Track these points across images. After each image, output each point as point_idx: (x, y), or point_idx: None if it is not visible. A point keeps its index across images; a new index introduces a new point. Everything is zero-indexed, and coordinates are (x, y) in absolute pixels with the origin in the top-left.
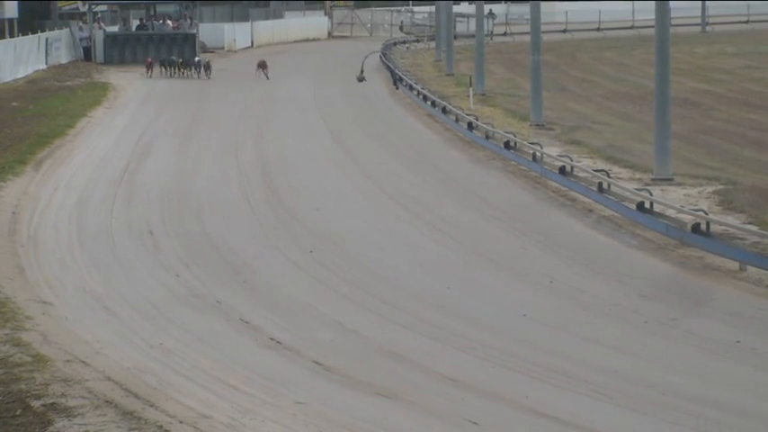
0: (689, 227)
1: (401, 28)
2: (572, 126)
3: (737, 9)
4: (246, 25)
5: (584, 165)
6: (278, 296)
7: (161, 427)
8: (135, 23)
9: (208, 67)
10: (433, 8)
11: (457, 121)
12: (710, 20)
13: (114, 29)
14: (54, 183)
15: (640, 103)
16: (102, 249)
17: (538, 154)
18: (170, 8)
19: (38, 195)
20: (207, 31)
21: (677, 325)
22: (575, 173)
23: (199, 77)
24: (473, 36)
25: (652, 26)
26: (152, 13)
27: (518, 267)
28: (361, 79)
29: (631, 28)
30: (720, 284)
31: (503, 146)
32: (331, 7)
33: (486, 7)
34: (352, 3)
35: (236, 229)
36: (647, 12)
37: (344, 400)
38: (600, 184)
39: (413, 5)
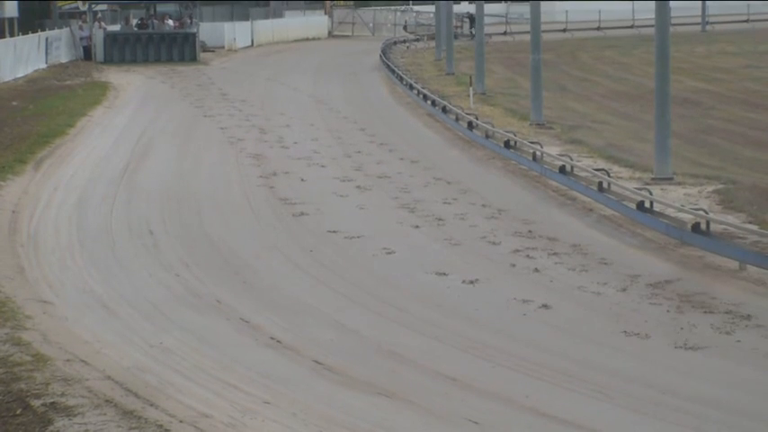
0: (689, 226)
1: (405, 28)
2: (572, 125)
3: (737, 9)
4: (246, 24)
5: (585, 164)
6: (278, 296)
7: (161, 426)
8: (135, 23)
9: None
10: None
11: (457, 120)
12: (710, 19)
13: (116, 28)
14: (54, 182)
15: (641, 103)
16: (102, 249)
17: (538, 153)
18: (170, 8)
19: (38, 195)
20: (207, 31)
21: (677, 325)
22: (575, 172)
23: None
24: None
25: (652, 25)
26: (152, 12)
27: (518, 267)
28: None
29: (631, 27)
30: (720, 284)
31: (503, 145)
32: (331, 7)
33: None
34: (352, 2)
35: (236, 228)
36: (647, 11)
37: (344, 400)
38: (600, 184)
39: (413, 5)
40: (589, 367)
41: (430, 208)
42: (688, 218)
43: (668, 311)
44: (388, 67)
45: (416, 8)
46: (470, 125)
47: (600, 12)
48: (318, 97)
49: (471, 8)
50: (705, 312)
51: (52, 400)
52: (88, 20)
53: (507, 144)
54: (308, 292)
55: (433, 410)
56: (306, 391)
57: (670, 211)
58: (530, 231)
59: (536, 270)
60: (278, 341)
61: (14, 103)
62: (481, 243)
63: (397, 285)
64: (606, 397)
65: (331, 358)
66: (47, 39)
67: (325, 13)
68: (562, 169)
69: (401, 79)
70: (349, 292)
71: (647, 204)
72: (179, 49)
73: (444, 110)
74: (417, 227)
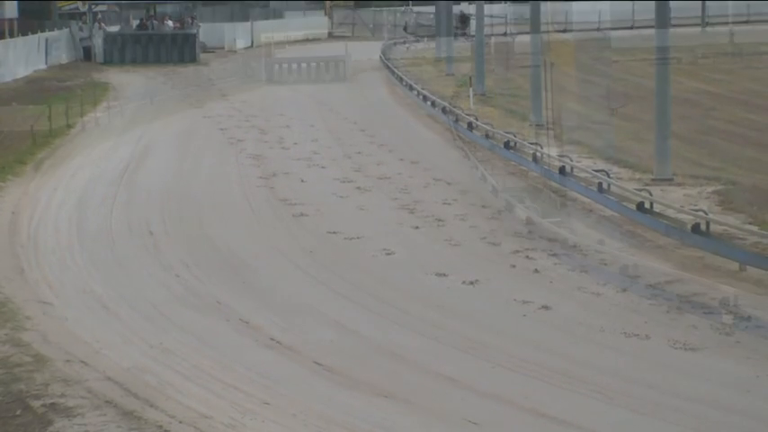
0: (689, 227)
1: (405, 28)
2: (572, 126)
3: (737, 9)
4: (246, 25)
5: (584, 165)
6: (278, 296)
7: (161, 427)
8: (135, 23)
9: None
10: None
11: (457, 121)
12: (710, 19)
13: (116, 29)
14: (54, 183)
15: (641, 103)
16: (102, 249)
17: (538, 154)
18: (170, 8)
19: (38, 195)
20: (207, 31)
21: (677, 325)
22: (574, 173)
23: None
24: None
25: (652, 26)
26: (152, 13)
27: (518, 267)
28: None
29: (631, 28)
30: (720, 284)
31: (503, 146)
32: (331, 7)
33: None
34: (352, 3)
35: (236, 229)
36: (647, 11)
37: (344, 400)
38: (600, 185)
39: (413, 6)
40: (589, 367)
41: (430, 209)
42: (688, 219)
43: (668, 312)
44: (387, 67)
45: (416, 9)
46: (470, 126)
47: (600, 12)
48: (318, 98)
49: (466, 8)
50: (705, 313)
51: (52, 401)
52: (88, 21)
53: (507, 145)
54: (308, 292)
55: (433, 410)
56: (305, 391)
57: (670, 212)
58: (529, 232)
59: (536, 271)
60: (278, 342)
61: (14, 104)
62: (481, 244)
63: (397, 286)
64: (606, 397)
65: (331, 359)
66: (47, 39)
67: (325, 14)
68: (562, 170)
69: (401, 80)
70: (349, 292)
71: (646, 205)
72: (179, 49)
73: (444, 111)
74: (417, 227)
